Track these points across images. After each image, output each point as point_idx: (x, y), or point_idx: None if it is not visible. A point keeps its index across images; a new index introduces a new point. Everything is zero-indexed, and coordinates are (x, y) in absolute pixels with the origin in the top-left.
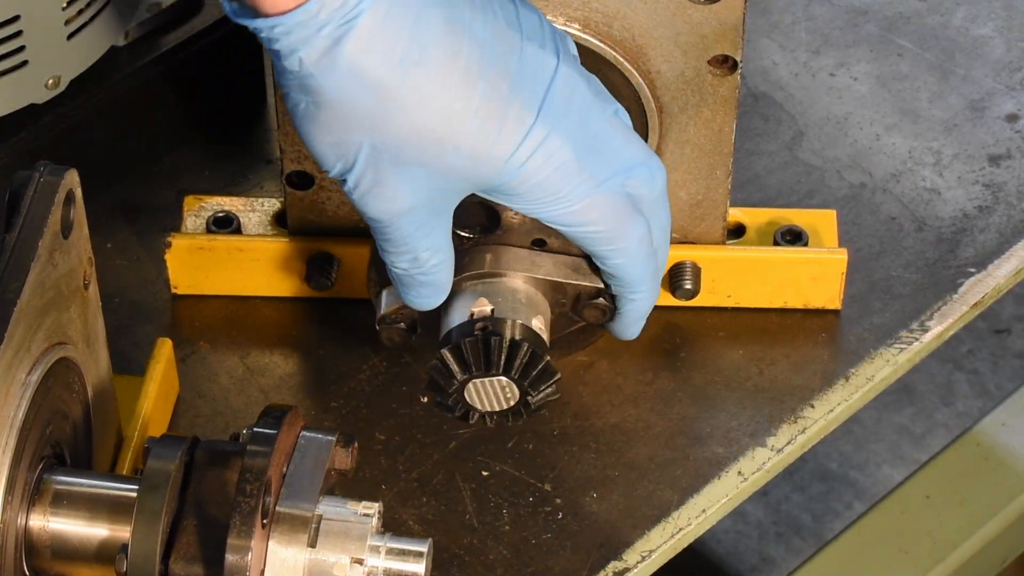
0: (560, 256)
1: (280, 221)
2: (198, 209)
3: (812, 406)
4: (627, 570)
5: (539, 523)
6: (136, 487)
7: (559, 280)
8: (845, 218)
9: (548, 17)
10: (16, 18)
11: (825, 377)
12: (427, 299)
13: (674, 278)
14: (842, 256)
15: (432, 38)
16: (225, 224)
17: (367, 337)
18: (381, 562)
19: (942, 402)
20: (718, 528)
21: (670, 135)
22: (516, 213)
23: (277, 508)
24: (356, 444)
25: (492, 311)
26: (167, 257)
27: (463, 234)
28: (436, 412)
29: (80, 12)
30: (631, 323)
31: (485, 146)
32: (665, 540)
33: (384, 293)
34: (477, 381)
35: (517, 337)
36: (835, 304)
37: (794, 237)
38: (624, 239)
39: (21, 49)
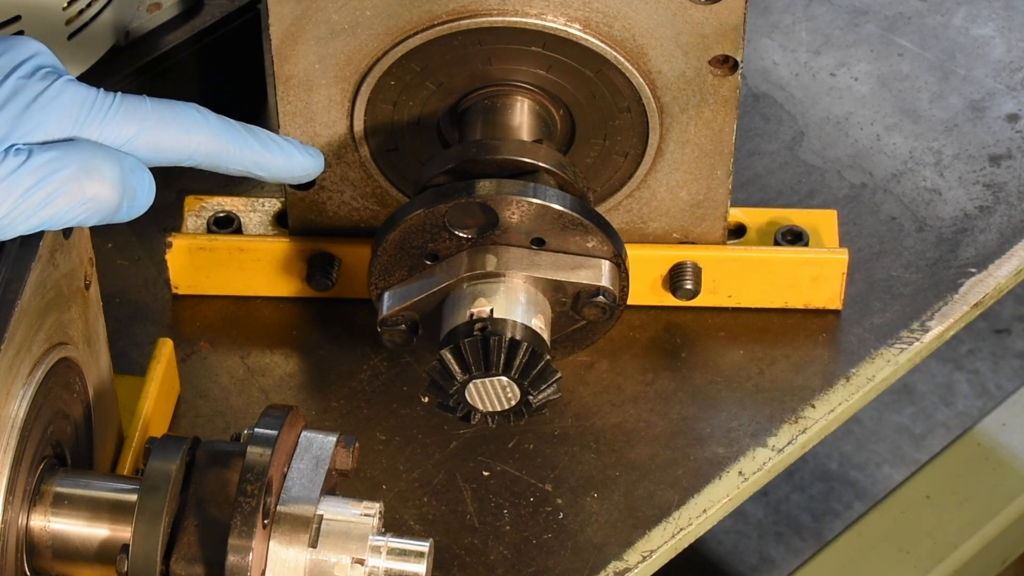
0: (559, 255)
1: (281, 221)
2: (199, 209)
3: (813, 406)
4: (628, 570)
5: (540, 523)
6: (137, 487)
7: (559, 279)
8: (846, 218)
9: (549, 17)
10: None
11: (826, 377)
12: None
13: (675, 278)
14: (843, 256)
15: None
16: (226, 224)
17: (368, 337)
18: (382, 562)
19: (942, 402)
20: (718, 528)
21: (671, 135)
22: (514, 212)
23: (278, 508)
24: (357, 444)
25: (491, 311)
26: (168, 257)
27: (462, 234)
28: (437, 412)
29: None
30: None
31: None
32: (666, 540)
33: (386, 295)
34: (477, 381)
35: (517, 337)
36: (836, 304)
37: (795, 237)
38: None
39: None
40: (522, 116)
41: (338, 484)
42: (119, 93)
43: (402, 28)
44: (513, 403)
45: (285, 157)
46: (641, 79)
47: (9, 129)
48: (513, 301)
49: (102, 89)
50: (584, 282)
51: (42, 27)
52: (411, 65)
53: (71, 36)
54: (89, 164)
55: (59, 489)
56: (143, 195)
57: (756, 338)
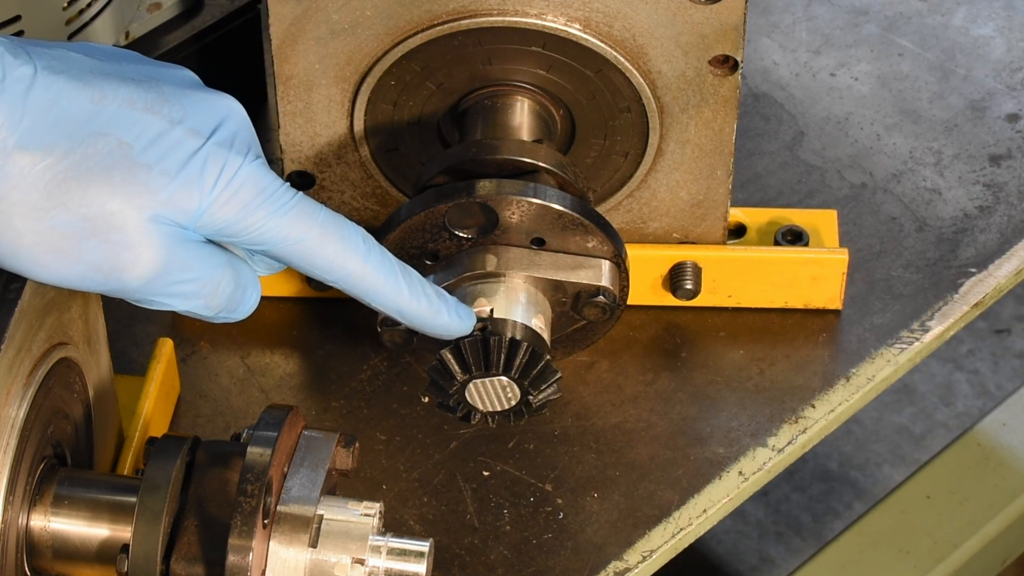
0: (559, 255)
1: None
2: None
3: (813, 406)
4: (628, 570)
5: (540, 523)
6: (137, 487)
7: (559, 279)
8: (846, 218)
9: (549, 17)
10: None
11: (826, 377)
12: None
13: (675, 278)
14: (843, 256)
15: None
16: None
17: (368, 337)
18: (382, 562)
19: (942, 402)
20: (718, 528)
21: (671, 135)
22: (515, 212)
23: (278, 508)
24: (357, 444)
25: (491, 311)
26: None
27: (462, 234)
28: (437, 412)
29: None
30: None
31: None
32: (666, 540)
33: None
34: (477, 381)
35: (517, 337)
36: (836, 304)
37: (795, 237)
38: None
39: None
40: (522, 116)
41: (338, 484)
42: (300, 193)
43: (402, 28)
44: (513, 403)
45: (432, 313)
46: (641, 79)
47: (181, 199)
48: (513, 301)
49: (287, 184)
50: (584, 282)
51: (42, 27)
52: (411, 65)
53: (71, 36)
54: (216, 280)
55: (59, 489)
56: (242, 310)
57: (756, 338)
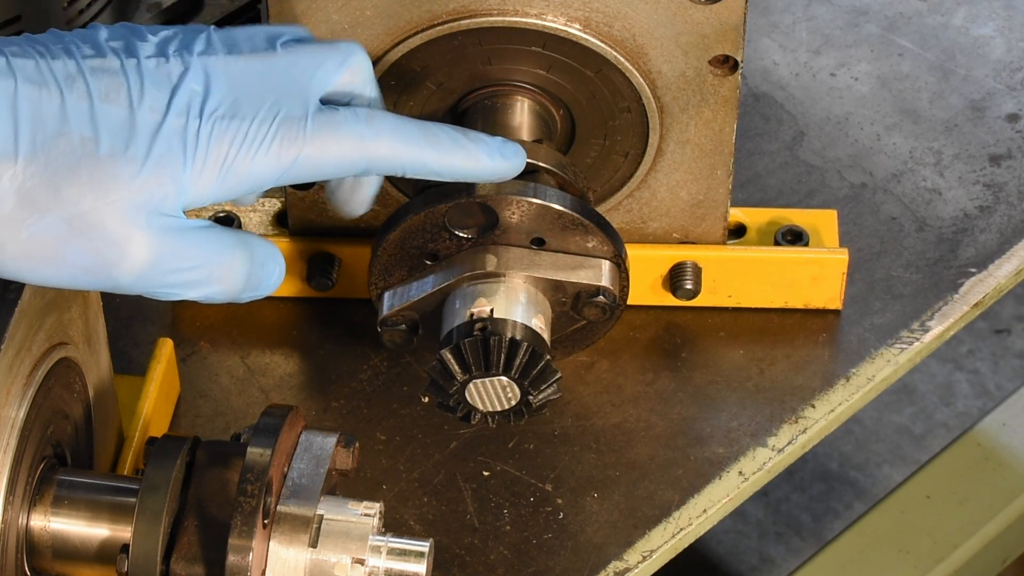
0: (560, 255)
1: (281, 221)
2: (199, 209)
3: (813, 406)
4: (628, 570)
5: (540, 523)
6: (137, 487)
7: (559, 279)
8: (846, 218)
9: (549, 17)
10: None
11: (826, 377)
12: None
13: (675, 278)
14: (843, 256)
15: None
16: (226, 224)
17: (368, 337)
18: (382, 562)
19: (942, 402)
20: (718, 528)
21: (671, 135)
22: (515, 212)
23: (278, 508)
24: (357, 444)
25: (491, 311)
26: None
27: (462, 234)
28: (437, 412)
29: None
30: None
31: None
32: (666, 540)
33: (386, 295)
34: (478, 381)
35: (517, 337)
36: (836, 304)
37: (795, 237)
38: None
39: None
40: (522, 116)
41: (338, 484)
42: (279, 115)
43: (402, 28)
44: (513, 403)
45: (472, 164)
46: (641, 79)
47: (154, 184)
48: (513, 301)
49: (259, 115)
50: (584, 282)
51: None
52: (411, 65)
53: None
54: (225, 264)
55: (59, 489)
56: (267, 286)
57: (756, 338)
